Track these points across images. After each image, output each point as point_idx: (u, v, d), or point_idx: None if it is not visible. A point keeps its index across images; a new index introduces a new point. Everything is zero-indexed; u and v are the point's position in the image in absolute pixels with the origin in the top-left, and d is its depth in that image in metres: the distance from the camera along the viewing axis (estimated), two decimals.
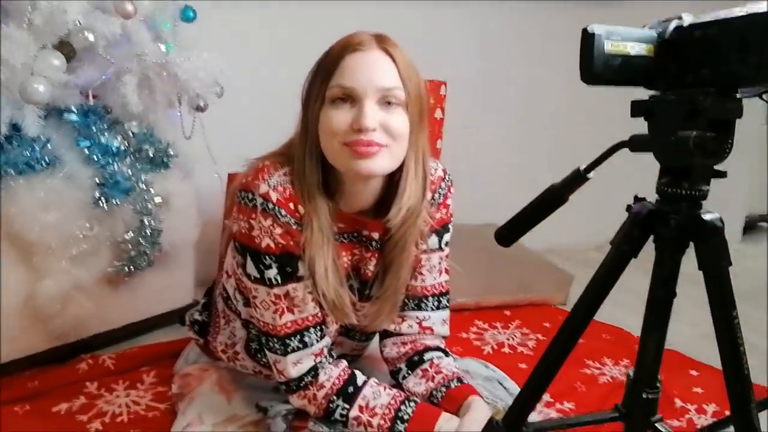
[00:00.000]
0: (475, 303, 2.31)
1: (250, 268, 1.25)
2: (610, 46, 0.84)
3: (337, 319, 1.32)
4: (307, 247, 1.22)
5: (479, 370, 1.64)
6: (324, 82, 1.18)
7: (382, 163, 1.18)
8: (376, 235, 1.32)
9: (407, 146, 1.21)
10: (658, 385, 1.01)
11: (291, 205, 1.21)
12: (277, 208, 1.20)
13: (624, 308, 1.81)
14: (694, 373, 1.93)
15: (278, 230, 1.20)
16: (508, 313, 2.33)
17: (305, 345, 1.26)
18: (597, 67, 0.84)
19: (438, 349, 1.44)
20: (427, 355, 1.42)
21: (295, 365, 1.27)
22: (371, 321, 1.37)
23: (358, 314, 1.36)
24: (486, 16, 2.80)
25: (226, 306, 1.45)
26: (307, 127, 1.21)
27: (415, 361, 1.42)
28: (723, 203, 3.25)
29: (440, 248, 1.41)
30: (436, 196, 1.37)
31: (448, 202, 1.41)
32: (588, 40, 0.84)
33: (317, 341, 1.28)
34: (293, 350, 1.26)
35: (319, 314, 1.28)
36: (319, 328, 1.28)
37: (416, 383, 1.40)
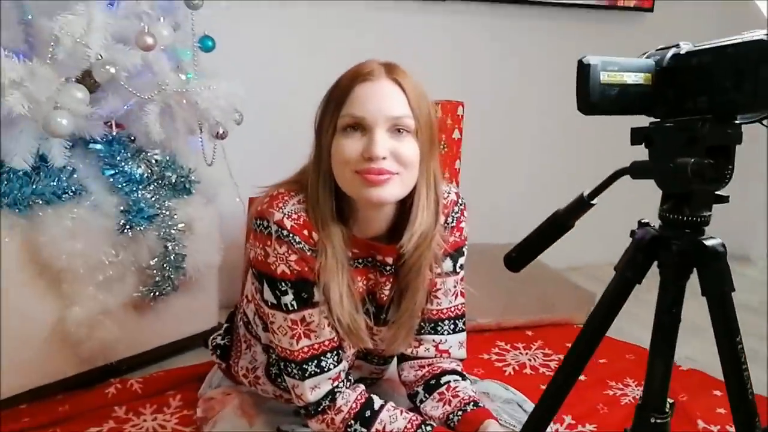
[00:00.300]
0: (497, 323, 2.30)
1: (267, 294, 1.27)
2: (606, 77, 0.85)
3: (353, 344, 1.33)
4: (321, 273, 1.24)
5: (499, 392, 1.64)
6: (335, 112, 1.20)
7: (392, 191, 1.20)
8: (390, 260, 1.33)
9: (418, 173, 1.23)
10: (667, 410, 1.01)
11: (305, 231, 1.23)
12: (291, 235, 1.22)
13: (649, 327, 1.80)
14: (717, 393, 1.90)
15: (293, 257, 1.23)
16: (530, 333, 2.32)
17: (322, 370, 1.28)
18: (593, 97, 0.85)
19: (455, 372, 1.44)
20: (444, 379, 1.42)
21: (312, 390, 1.29)
22: (388, 345, 1.39)
23: (375, 338, 1.38)
24: (505, 36, 2.82)
25: (246, 330, 1.48)
26: (320, 155, 1.24)
27: (432, 384, 1.42)
28: (751, 221, 3.20)
29: (455, 271, 1.42)
30: (449, 219, 1.38)
31: (462, 225, 1.42)
32: (584, 70, 0.85)
33: (334, 366, 1.29)
34: (311, 375, 1.28)
35: (336, 339, 1.30)
36: (335, 352, 1.30)
37: (433, 407, 1.40)
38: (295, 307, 1.26)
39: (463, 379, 1.44)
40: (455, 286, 1.43)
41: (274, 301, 1.27)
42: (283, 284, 1.25)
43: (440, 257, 1.36)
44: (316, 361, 1.28)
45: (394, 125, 1.18)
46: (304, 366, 1.28)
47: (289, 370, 1.30)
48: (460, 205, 1.41)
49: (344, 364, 1.33)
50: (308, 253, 1.24)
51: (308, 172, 1.27)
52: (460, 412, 1.35)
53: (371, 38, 2.50)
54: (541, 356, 2.16)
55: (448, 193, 1.39)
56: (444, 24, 2.69)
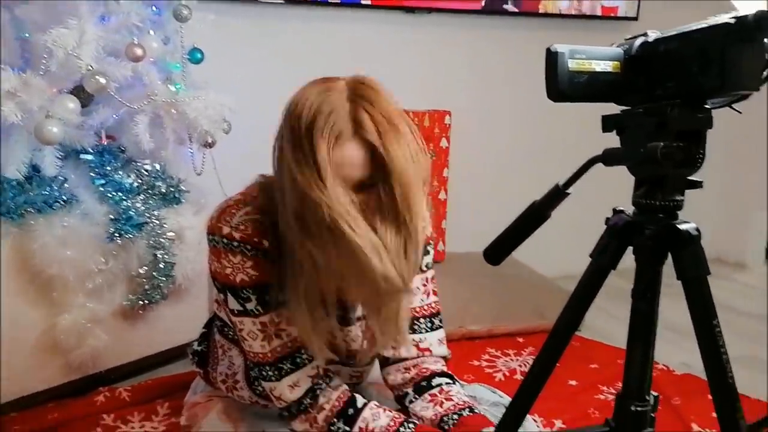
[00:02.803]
0: (487, 330, 2.31)
1: (232, 303, 1.28)
2: (574, 64, 0.87)
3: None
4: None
5: (486, 395, 1.64)
6: (303, 158, 1.10)
7: None
8: None
9: None
10: (648, 397, 1.02)
11: (255, 239, 1.23)
12: (242, 244, 1.23)
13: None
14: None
15: (248, 263, 1.24)
16: (521, 340, 2.32)
17: (297, 366, 1.28)
18: (562, 84, 0.87)
19: (445, 374, 1.44)
20: (435, 381, 1.41)
21: (292, 388, 1.28)
22: (371, 346, 1.38)
23: (346, 339, 1.38)
24: (491, 46, 2.86)
25: (221, 335, 1.48)
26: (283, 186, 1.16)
27: (423, 386, 1.41)
28: (746, 227, 3.20)
29: (420, 270, 1.41)
30: None
31: None
32: (551, 58, 0.87)
33: (309, 360, 1.29)
34: (287, 373, 1.28)
35: None
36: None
37: (423, 407, 1.39)
38: (261, 311, 1.26)
39: (454, 383, 1.44)
40: (425, 285, 1.42)
41: (240, 308, 1.27)
42: (244, 291, 1.25)
43: None
44: (290, 359, 1.28)
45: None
46: (280, 365, 1.28)
47: (265, 373, 1.30)
48: None
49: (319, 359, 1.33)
50: (262, 258, 1.24)
51: (265, 188, 1.26)
52: (455, 416, 1.34)
53: (359, 49, 2.53)
54: (532, 362, 2.15)
55: None
56: (430, 35, 2.73)
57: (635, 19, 2.93)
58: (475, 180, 2.82)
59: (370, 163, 1.12)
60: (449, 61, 2.79)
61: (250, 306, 1.26)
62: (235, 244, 1.24)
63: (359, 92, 1.13)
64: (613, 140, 0.97)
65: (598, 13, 2.89)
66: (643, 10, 2.94)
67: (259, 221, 1.24)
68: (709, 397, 1.89)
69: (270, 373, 1.29)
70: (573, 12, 2.85)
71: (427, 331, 1.43)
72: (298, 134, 1.12)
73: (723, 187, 3.14)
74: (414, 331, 1.41)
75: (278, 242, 1.23)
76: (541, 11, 2.81)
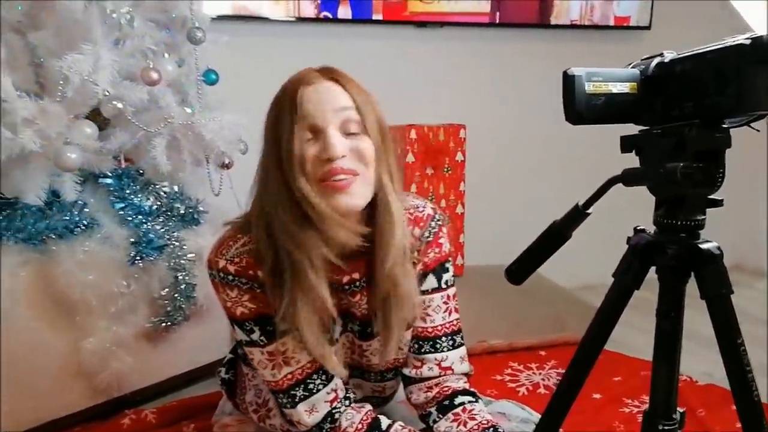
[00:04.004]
0: (508, 344, 2.29)
1: (239, 335, 1.28)
2: (591, 87, 0.87)
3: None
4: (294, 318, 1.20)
5: (515, 411, 1.63)
6: (290, 119, 1.16)
7: (358, 193, 1.17)
8: (357, 276, 1.30)
9: (376, 176, 1.19)
10: (675, 416, 1.01)
11: (250, 271, 1.23)
12: (236, 278, 1.23)
13: None
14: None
15: (246, 297, 1.24)
16: (543, 353, 2.31)
17: (311, 392, 1.28)
18: (579, 107, 0.87)
19: (467, 392, 1.43)
20: (458, 400, 1.40)
21: (309, 413, 1.28)
22: (381, 358, 1.36)
23: (365, 354, 1.38)
24: (505, 59, 2.87)
25: (243, 362, 1.48)
26: (279, 166, 1.17)
27: (446, 405, 1.40)
28: (764, 234, 3.14)
29: (440, 287, 1.40)
30: (426, 234, 1.35)
31: (441, 240, 1.38)
32: (569, 81, 0.87)
33: (323, 385, 1.29)
34: (301, 399, 1.28)
35: None
36: (321, 372, 1.29)
37: (448, 427, 1.38)
38: (266, 341, 1.26)
39: (476, 401, 1.43)
40: (446, 303, 1.40)
41: (247, 339, 1.27)
42: (247, 324, 1.26)
43: (417, 271, 1.33)
44: (302, 386, 1.28)
45: (344, 123, 1.16)
46: (292, 392, 1.28)
47: (280, 400, 1.30)
48: (438, 220, 1.38)
49: (335, 382, 1.31)
50: (258, 291, 1.23)
51: (260, 209, 1.22)
52: None
53: (371, 64, 2.54)
54: (555, 376, 2.13)
55: (424, 207, 1.37)
56: (443, 49, 2.73)
57: (648, 28, 2.92)
58: (491, 193, 2.81)
59: (350, 97, 1.18)
60: (463, 75, 2.79)
61: (254, 337, 1.26)
62: (230, 278, 1.23)
63: (329, 68, 1.23)
64: (619, 156, 0.97)
65: (611, 22, 2.89)
66: (656, 19, 2.94)
67: (255, 249, 1.22)
68: (733, 407, 1.89)
69: (284, 399, 1.29)
70: (585, 22, 2.85)
71: (449, 350, 1.41)
72: (279, 99, 1.21)
73: (742, 193, 3.11)
74: (436, 350, 1.41)
75: (277, 259, 1.19)
76: (553, 22, 2.81)
